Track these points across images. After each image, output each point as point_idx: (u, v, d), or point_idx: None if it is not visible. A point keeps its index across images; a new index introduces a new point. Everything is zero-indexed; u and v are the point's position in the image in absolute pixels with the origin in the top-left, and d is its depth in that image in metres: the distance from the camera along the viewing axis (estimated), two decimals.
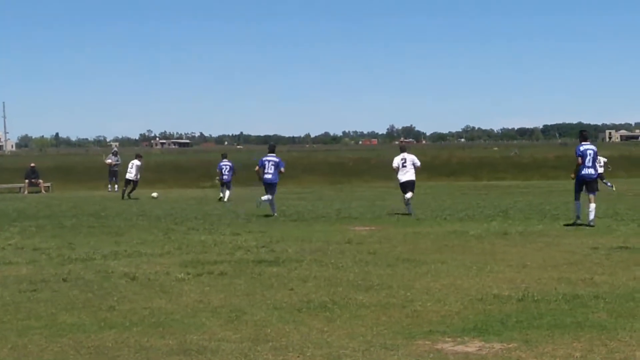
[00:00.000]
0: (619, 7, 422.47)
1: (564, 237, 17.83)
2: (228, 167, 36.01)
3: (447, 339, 8.72)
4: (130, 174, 37.97)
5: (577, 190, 20.95)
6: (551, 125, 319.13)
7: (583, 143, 21.19)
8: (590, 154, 20.82)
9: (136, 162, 38.36)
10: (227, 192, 35.29)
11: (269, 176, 25.65)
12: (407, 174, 25.27)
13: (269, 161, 25.76)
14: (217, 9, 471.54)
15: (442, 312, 10.10)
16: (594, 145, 21.51)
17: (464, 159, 73.29)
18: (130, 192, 37.51)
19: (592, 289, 11.39)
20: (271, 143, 30.53)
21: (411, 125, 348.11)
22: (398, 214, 24.74)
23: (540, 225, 20.55)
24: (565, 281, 12.12)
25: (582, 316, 9.69)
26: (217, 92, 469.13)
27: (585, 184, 20.91)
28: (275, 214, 25.19)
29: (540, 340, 8.59)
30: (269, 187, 25.67)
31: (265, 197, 25.40)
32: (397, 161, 25.41)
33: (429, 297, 11.05)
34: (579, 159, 20.77)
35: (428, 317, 9.84)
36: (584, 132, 22.02)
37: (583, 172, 20.82)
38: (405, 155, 25.52)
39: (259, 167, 25.95)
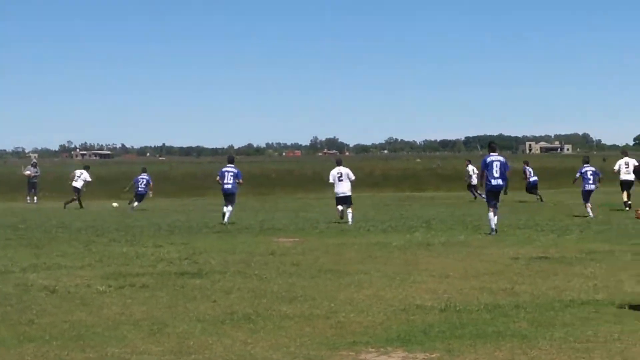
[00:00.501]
0: (538, 21, 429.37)
1: (486, 248, 18.03)
2: (145, 180, 36.38)
3: (370, 350, 8.74)
4: (77, 183, 39.09)
5: (489, 201, 21.57)
6: (473, 137, 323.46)
7: (491, 154, 21.96)
8: (497, 165, 21.51)
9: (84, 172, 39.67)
10: (136, 203, 35.88)
11: (228, 186, 26.68)
12: (342, 187, 25.89)
13: (227, 172, 26.80)
14: (130, 18, 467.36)
15: (366, 322, 10.13)
16: (503, 156, 22.36)
17: (387, 170, 73.87)
18: (71, 202, 37.76)
19: (513, 299, 11.53)
20: (230, 155, 31.80)
21: (334, 137, 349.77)
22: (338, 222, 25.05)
23: (462, 235, 20.76)
24: (486, 291, 12.26)
25: (503, 325, 9.81)
26: (139, 103, 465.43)
27: (494, 195, 21.58)
28: (226, 222, 25.87)
29: (463, 349, 8.67)
30: (228, 196, 26.69)
31: (227, 211, 26.24)
32: (332, 175, 26.19)
33: (353, 308, 11.07)
34: (484, 170, 21.64)
35: (352, 327, 9.85)
36: (492, 144, 22.92)
37: (493, 183, 21.54)
38: (341, 169, 26.18)
39: (219, 177, 26.99)
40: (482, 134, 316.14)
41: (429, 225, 24.26)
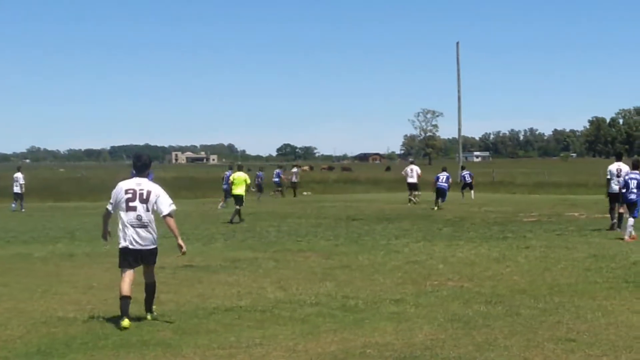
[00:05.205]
0: (236, 42, 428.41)
1: None
2: None
3: None
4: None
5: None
6: (119, 146, 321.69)
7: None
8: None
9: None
10: None
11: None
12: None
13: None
14: None
15: (4, 337, 9.70)
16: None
17: (28, 180, 71.17)
18: None
19: (158, 307, 11.49)
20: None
21: None
22: None
23: (108, 246, 20.40)
24: (133, 301, 12.09)
25: (148, 335, 9.77)
26: None
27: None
28: None
29: None
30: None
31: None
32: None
33: None
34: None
35: None
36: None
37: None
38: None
39: None
40: (128, 143, 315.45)
41: (73, 235, 23.72)
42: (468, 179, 46.53)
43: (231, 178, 30.94)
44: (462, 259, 16.98)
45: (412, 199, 40.00)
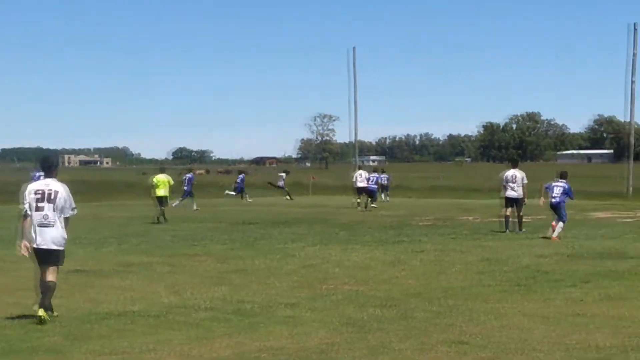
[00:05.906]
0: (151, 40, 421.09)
1: (19, 263, 17.41)
2: None
3: None
4: None
5: None
6: (9, 149, 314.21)
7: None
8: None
9: None
10: None
11: None
12: None
13: None
14: None
15: None
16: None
17: None
18: None
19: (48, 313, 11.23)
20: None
21: None
22: None
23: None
24: (22, 306, 11.80)
25: (37, 341, 9.55)
26: None
27: None
28: None
29: None
30: None
31: None
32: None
33: None
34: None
35: None
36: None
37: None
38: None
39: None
40: (19, 146, 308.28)
41: None
42: (385, 182, 49.27)
43: (155, 180, 31.58)
44: (358, 263, 17.08)
45: (359, 203, 39.04)
